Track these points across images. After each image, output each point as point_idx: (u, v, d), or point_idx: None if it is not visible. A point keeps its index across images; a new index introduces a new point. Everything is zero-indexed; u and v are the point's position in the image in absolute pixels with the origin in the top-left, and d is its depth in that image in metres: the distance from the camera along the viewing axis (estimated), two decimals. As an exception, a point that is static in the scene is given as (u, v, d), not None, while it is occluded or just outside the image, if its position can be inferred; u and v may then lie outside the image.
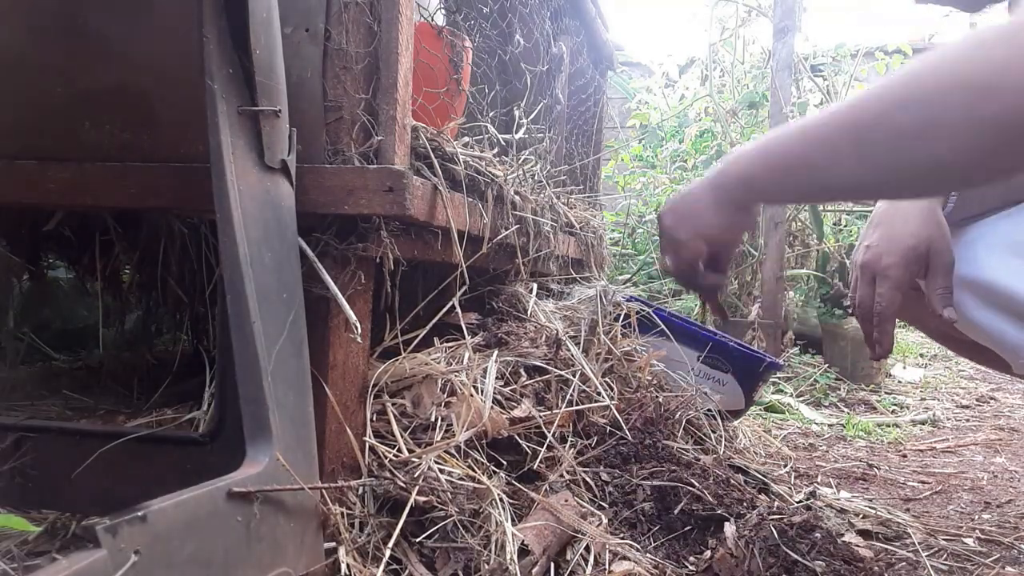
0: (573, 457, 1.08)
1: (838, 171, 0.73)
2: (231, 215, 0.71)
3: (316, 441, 0.77)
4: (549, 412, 1.06)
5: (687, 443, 1.25)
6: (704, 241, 0.88)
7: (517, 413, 1.01)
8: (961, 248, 0.98)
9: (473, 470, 0.91)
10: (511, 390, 1.05)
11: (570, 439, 1.11)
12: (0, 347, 1.47)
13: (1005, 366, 0.99)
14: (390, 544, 0.80)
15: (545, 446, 1.02)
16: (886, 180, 0.73)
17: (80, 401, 1.25)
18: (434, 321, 1.05)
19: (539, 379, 1.11)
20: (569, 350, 1.20)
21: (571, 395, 1.12)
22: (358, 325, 0.86)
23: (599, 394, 1.17)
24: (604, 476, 1.09)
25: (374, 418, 0.93)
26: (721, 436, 1.35)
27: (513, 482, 0.98)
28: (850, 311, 1.12)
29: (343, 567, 0.76)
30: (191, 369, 1.29)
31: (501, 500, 0.88)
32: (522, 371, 1.10)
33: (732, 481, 1.12)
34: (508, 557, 0.81)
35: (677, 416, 1.30)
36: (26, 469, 0.84)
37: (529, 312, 1.25)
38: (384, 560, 0.78)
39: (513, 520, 0.88)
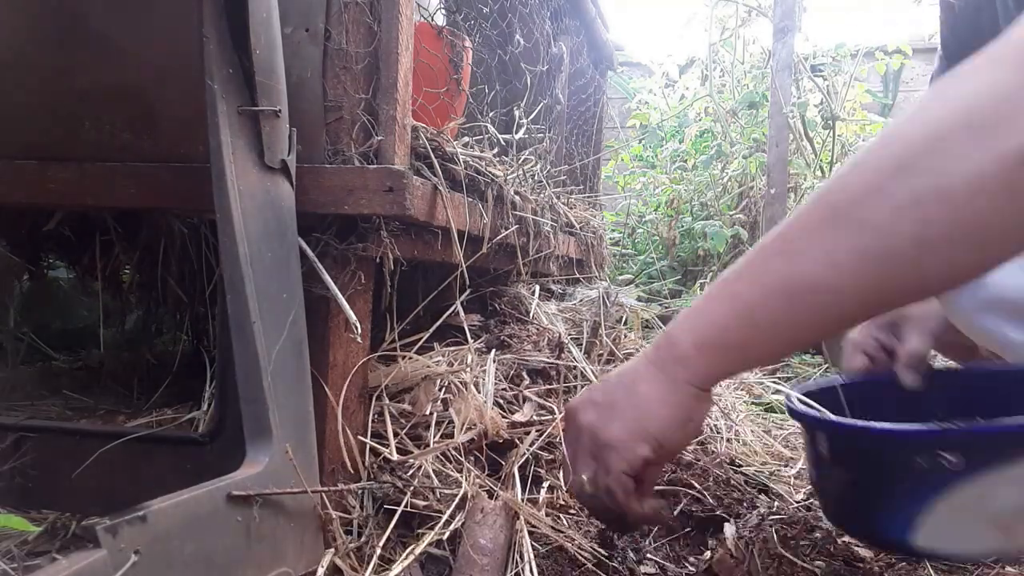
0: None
1: (840, 280, 0.54)
2: (231, 215, 0.71)
3: (316, 441, 0.77)
4: (551, 416, 1.06)
5: (687, 443, 1.25)
6: (650, 448, 0.64)
7: (518, 417, 1.01)
8: None
9: (473, 472, 0.91)
10: (513, 395, 1.05)
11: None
12: (0, 347, 1.46)
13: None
14: (382, 543, 0.80)
15: (538, 446, 1.02)
16: (910, 271, 0.53)
17: (80, 401, 1.24)
18: (438, 324, 1.05)
19: (541, 383, 1.11)
20: (571, 352, 1.20)
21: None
22: (358, 325, 0.86)
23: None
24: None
25: (374, 419, 0.93)
26: (721, 436, 1.35)
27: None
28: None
29: (342, 568, 0.76)
30: (191, 369, 1.29)
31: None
32: (524, 374, 1.10)
33: (732, 481, 1.12)
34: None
35: (677, 416, 1.30)
36: (26, 469, 0.84)
37: (531, 314, 1.25)
38: (374, 559, 0.78)
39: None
